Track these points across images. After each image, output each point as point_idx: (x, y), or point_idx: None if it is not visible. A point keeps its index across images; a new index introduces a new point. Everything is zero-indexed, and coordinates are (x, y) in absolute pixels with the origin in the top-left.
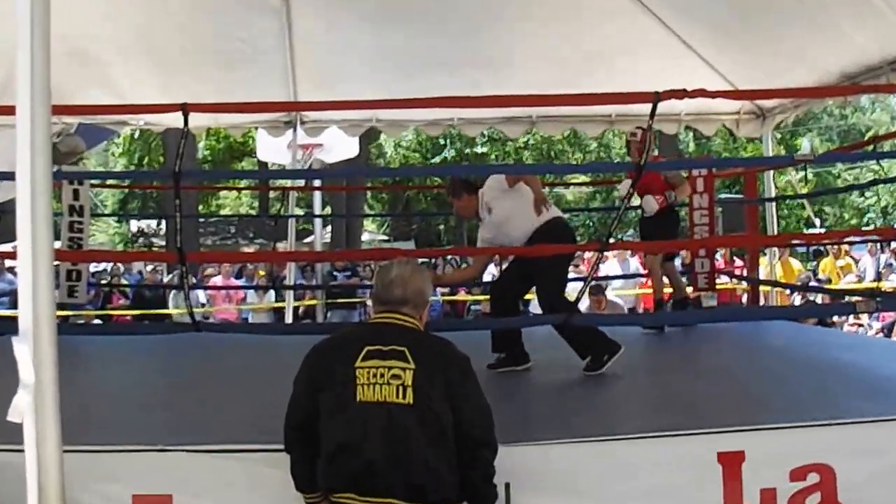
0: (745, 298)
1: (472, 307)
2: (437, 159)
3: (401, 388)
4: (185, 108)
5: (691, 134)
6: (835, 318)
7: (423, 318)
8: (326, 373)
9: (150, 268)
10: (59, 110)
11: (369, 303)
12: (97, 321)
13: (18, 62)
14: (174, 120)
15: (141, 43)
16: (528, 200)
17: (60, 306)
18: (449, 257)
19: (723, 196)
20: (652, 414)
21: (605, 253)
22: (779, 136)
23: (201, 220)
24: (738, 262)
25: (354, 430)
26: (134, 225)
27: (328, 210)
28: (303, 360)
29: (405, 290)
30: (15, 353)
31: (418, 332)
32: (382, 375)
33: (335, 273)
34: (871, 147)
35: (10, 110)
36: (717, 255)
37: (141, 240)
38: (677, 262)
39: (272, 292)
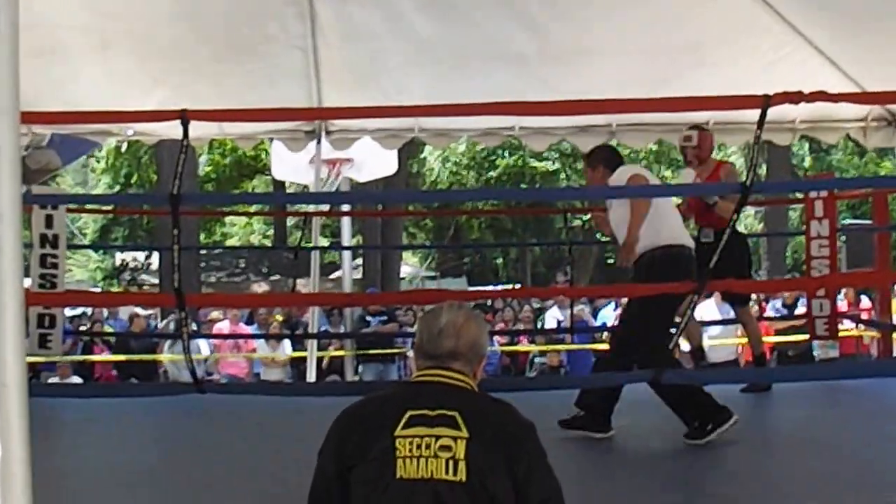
0: (873, 349)
1: (536, 359)
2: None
3: (451, 463)
4: (185, 116)
5: (807, 145)
6: None
7: (478, 376)
8: (359, 443)
9: (136, 310)
10: (29, 118)
11: (410, 354)
12: (75, 377)
13: None
14: (170, 130)
15: (126, 35)
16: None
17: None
18: (510, 300)
19: (847, 222)
20: (759, 499)
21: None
22: None
23: (203, 252)
24: (866, 304)
25: None
26: (119, 257)
27: (359, 240)
28: (330, 428)
29: (457, 342)
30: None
31: (472, 393)
32: (429, 447)
33: (368, 318)
34: None
35: None
36: (840, 296)
37: (126, 275)
38: (777, 303)
39: (288, 341)
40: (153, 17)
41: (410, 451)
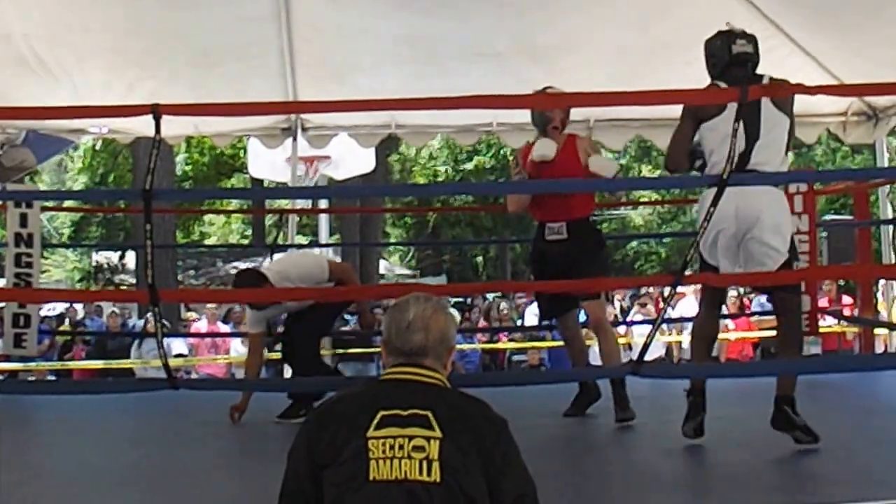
0: (856, 344)
1: (514, 357)
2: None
3: (425, 463)
4: (157, 110)
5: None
6: None
7: (448, 368)
8: (331, 444)
9: (111, 310)
10: (3, 113)
11: None
12: (51, 377)
13: None
14: (145, 127)
15: (98, 48)
16: None
17: (5, 359)
18: (490, 296)
19: (827, 217)
20: (748, 492)
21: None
22: (895, 142)
23: (180, 250)
24: (847, 300)
25: None
26: (95, 258)
27: (337, 238)
28: (300, 429)
29: (427, 336)
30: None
31: (444, 390)
32: (402, 447)
33: (346, 317)
34: None
35: None
36: (821, 292)
37: (103, 275)
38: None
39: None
40: (123, 30)
41: (383, 452)
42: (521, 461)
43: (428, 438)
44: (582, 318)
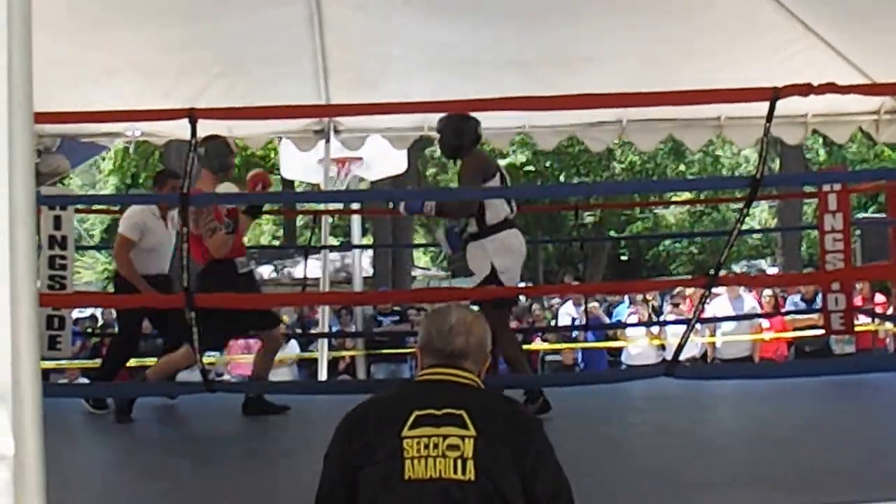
0: (890, 343)
1: (548, 357)
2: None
3: (459, 462)
4: (193, 115)
5: (820, 140)
6: None
7: (481, 377)
8: (366, 445)
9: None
10: (43, 118)
11: None
12: (83, 379)
13: None
14: (178, 129)
15: (131, 64)
16: None
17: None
18: (523, 298)
19: (861, 216)
20: (778, 491)
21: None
22: None
23: None
24: (881, 298)
25: None
26: None
27: (370, 240)
28: (335, 431)
29: (468, 340)
30: None
31: (478, 390)
32: (436, 446)
33: (380, 318)
34: None
35: None
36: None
37: None
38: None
39: (294, 342)
40: (155, 49)
41: (418, 451)
42: (556, 460)
43: (462, 437)
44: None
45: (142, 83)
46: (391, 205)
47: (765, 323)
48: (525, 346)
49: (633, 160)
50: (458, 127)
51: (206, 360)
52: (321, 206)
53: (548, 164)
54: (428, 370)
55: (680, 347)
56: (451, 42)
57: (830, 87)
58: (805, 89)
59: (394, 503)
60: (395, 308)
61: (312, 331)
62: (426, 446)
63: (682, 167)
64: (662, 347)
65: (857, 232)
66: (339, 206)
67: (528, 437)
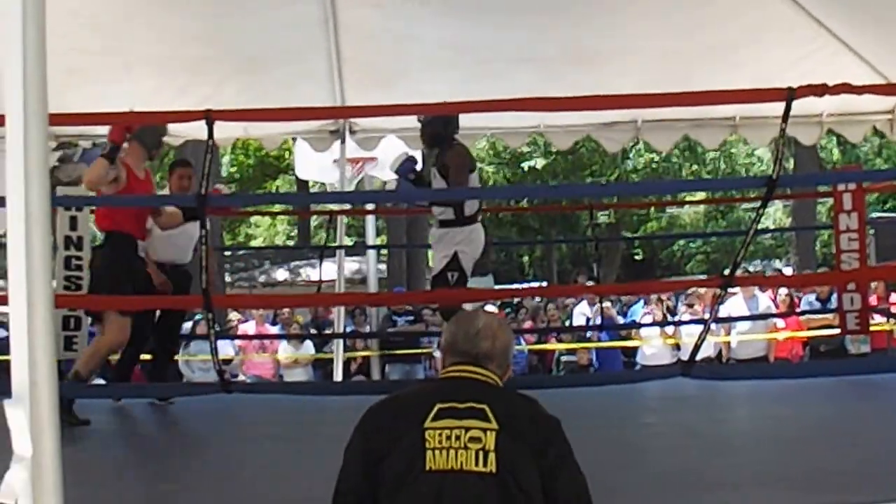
0: None
1: (563, 358)
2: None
3: (481, 454)
4: (210, 116)
5: (835, 139)
6: None
7: (502, 382)
8: (388, 437)
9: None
10: (57, 119)
11: (437, 355)
12: (99, 379)
13: (8, 55)
14: (194, 129)
15: (147, 57)
16: None
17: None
18: (537, 299)
19: (876, 215)
20: (795, 491)
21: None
22: None
23: (227, 253)
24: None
25: None
26: None
27: (384, 239)
28: (357, 425)
29: (493, 344)
30: (7, 420)
31: (501, 389)
32: (458, 438)
33: (394, 318)
34: None
35: None
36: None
37: None
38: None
39: (309, 343)
40: (173, 40)
41: (440, 442)
42: (575, 461)
43: (484, 430)
44: None
45: (158, 80)
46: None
47: (780, 323)
48: (540, 346)
49: (649, 157)
50: (446, 118)
51: (220, 358)
52: (336, 207)
53: (561, 165)
54: (451, 367)
55: (696, 348)
56: (466, 40)
57: (845, 88)
58: (820, 90)
59: (415, 493)
60: (410, 308)
61: (327, 331)
62: (448, 437)
63: (695, 167)
64: (677, 347)
65: (872, 231)
66: (352, 206)
67: (549, 438)
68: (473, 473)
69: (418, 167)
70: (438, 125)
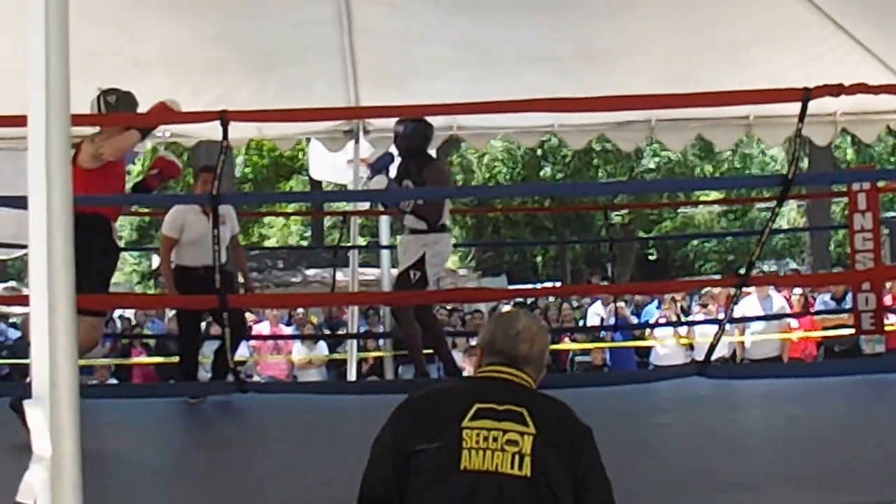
0: None
1: (577, 358)
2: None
3: (517, 457)
4: (225, 117)
5: (849, 139)
6: None
7: (537, 384)
8: (424, 431)
9: (172, 314)
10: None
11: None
12: (113, 379)
13: (30, 55)
14: (208, 131)
15: (161, 58)
16: None
17: None
18: (551, 298)
19: (890, 215)
20: (810, 491)
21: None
22: None
23: None
24: None
25: None
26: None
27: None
28: (390, 418)
29: (531, 348)
30: (28, 419)
31: (537, 393)
32: (496, 440)
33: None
34: None
35: (20, 121)
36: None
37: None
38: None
39: (322, 343)
40: (186, 41)
41: (477, 442)
42: (603, 467)
43: (522, 433)
44: None
45: (172, 79)
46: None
47: (794, 323)
48: (554, 347)
49: (663, 156)
50: (425, 132)
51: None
52: (349, 207)
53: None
54: (489, 367)
55: (712, 347)
56: (480, 40)
57: (861, 88)
58: (836, 89)
59: (447, 492)
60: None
61: (340, 332)
62: (485, 438)
63: (709, 167)
64: (691, 347)
65: (886, 231)
66: (367, 206)
67: (582, 445)
68: (508, 476)
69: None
70: (419, 139)
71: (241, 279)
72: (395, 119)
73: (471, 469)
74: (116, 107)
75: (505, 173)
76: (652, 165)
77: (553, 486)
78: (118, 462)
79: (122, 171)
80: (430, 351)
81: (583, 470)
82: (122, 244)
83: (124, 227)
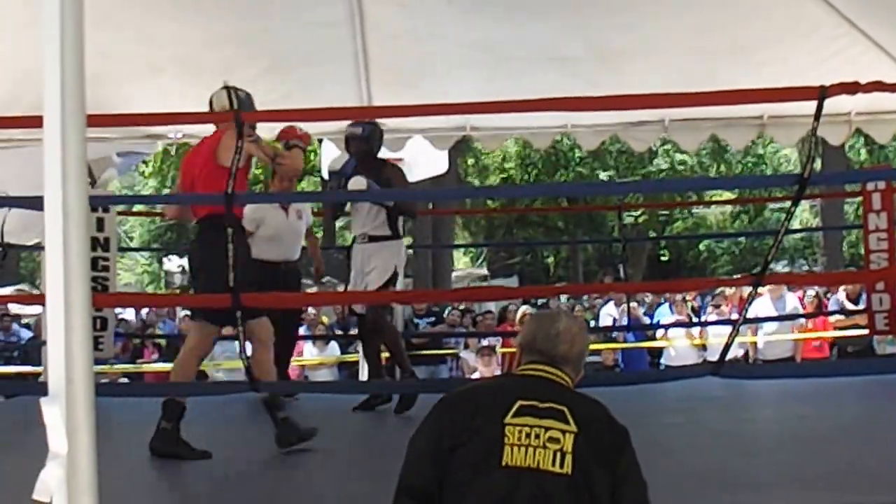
0: None
1: (590, 358)
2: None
3: (559, 455)
4: (239, 117)
5: (862, 139)
6: None
7: (573, 386)
8: (465, 428)
9: (185, 313)
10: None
11: (462, 355)
12: (124, 379)
13: (46, 54)
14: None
15: (173, 60)
16: None
17: None
18: (563, 297)
19: None
20: (822, 491)
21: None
22: None
23: None
24: None
25: (495, 501)
26: (176, 263)
27: (410, 240)
28: (430, 412)
29: (571, 348)
30: (44, 417)
31: (575, 392)
32: (538, 437)
33: (416, 320)
34: None
35: (35, 122)
36: None
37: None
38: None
39: (334, 344)
40: (198, 43)
41: (519, 439)
42: (640, 471)
43: (563, 431)
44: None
45: (184, 80)
46: (431, 205)
47: (807, 323)
48: None
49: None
50: (380, 134)
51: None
52: None
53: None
54: (529, 366)
55: (727, 347)
56: (493, 40)
57: (877, 86)
58: (852, 88)
59: (488, 487)
60: (433, 309)
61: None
62: (527, 435)
63: (723, 168)
64: (703, 348)
65: None
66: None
67: (621, 446)
68: (549, 473)
69: (441, 169)
70: (375, 141)
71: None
72: (348, 122)
73: (512, 465)
74: (245, 102)
75: (519, 175)
76: (664, 165)
77: (591, 485)
78: (133, 460)
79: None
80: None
81: (621, 470)
82: (133, 245)
83: (135, 228)
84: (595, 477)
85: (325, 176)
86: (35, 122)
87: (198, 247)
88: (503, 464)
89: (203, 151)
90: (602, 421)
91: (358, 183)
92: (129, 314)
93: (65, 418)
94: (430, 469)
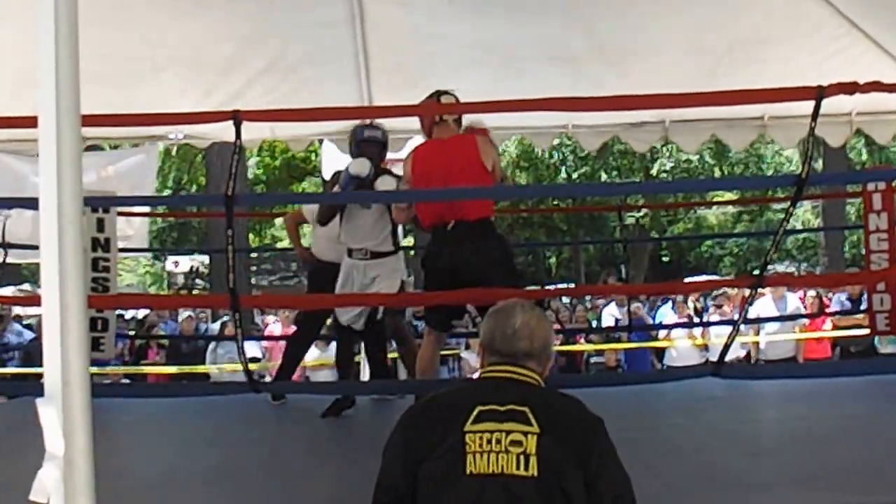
0: None
1: (592, 359)
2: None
3: (522, 458)
4: (237, 117)
5: (862, 140)
6: None
7: (545, 374)
8: (428, 439)
9: (187, 314)
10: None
11: (463, 355)
12: (125, 380)
13: (40, 56)
14: (221, 132)
15: (174, 59)
16: None
17: None
18: (564, 299)
19: None
20: (826, 491)
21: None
22: None
23: (253, 255)
24: None
25: None
26: (185, 263)
27: (410, 240)
28: (396, 425)
29: (532, 343)
30: (40, 418)
31: (542, 389)
32: (499, 441)
33: (416, 321)
34: None
35: (30, 122)
36: None
37: (181, 280)
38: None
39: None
40: (199, 42)
41: (480, 446)
42: (618, 460)
43: (525, 433)
44: None
45: (184, 80)
46: None
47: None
48: (569, 347)
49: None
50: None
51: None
52: None
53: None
54: (491, 367)
55: (726, 347)
56: (494, 39)
57: (876, 86)
58: (851, 87)
59: (455, 498)
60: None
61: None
62: (489, 441)
63: (725, 169)
64: (705, 348)
65: None
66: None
67: (592, 437)
68: (515, 477)
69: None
70: (384, 149)
71: None
72: (360, 124)
73: (476, 473)
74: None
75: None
76: (669, 165)
77: (563, 484)
78: (131, 460)
79: None
80: (445, 353)
81: (595, 463)
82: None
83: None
84: (565, 475)
85: (326, 177)
86: (30, 122)
87: (488, 245)
88: (468, 472)
89: (457, 154)
90: (568, 416)
91: (387, 183)
92: (140, 312)
93: (61, 419)
94: (402, 482)
